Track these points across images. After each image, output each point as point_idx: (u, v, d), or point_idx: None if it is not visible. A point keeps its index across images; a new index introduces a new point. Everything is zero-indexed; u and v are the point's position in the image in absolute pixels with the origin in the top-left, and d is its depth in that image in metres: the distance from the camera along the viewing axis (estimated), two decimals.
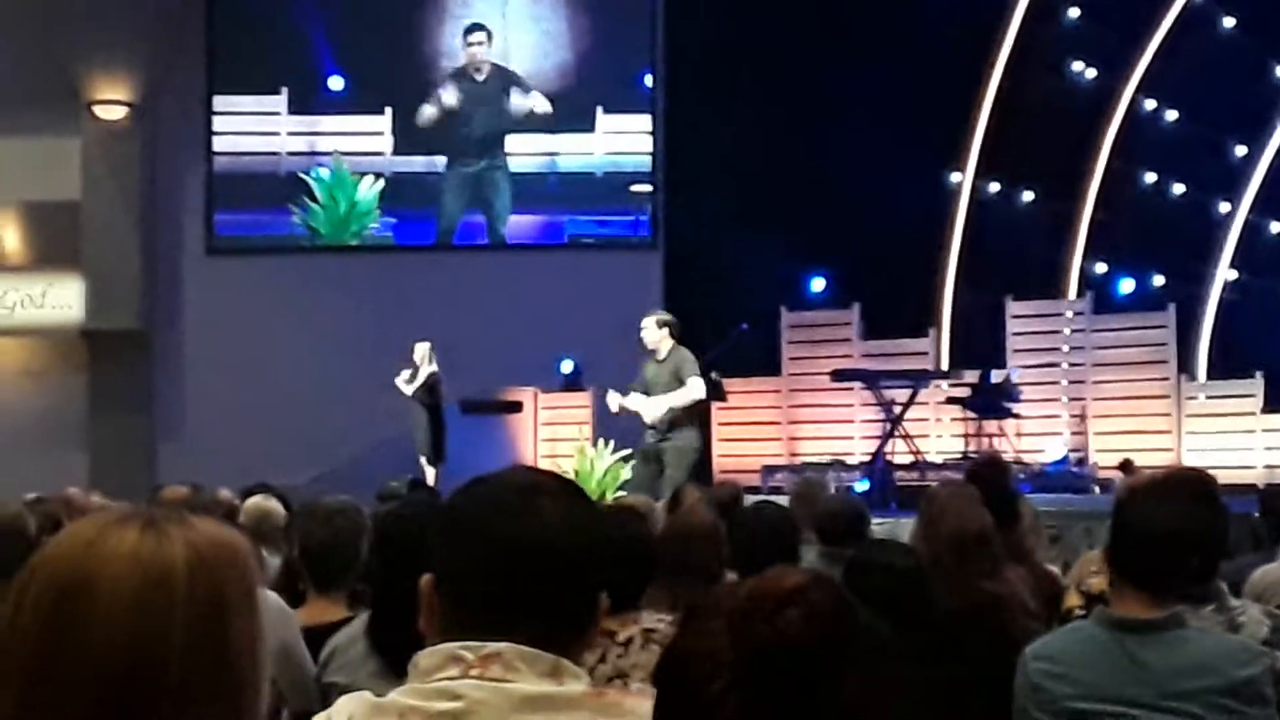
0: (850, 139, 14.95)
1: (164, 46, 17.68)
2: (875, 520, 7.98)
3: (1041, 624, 4.66)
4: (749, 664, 1.45)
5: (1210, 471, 5.02)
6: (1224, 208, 17.01)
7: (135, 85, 17.62)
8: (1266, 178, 16.89)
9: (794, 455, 16.28)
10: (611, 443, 15.32)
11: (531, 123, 18.13)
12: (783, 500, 7.62)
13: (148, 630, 1.47)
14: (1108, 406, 15.84)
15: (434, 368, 14.96)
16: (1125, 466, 13.32)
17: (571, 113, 18.05)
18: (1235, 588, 4.53)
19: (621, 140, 18.16)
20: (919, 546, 5.01)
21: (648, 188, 18.12)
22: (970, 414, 15.19)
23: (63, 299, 17.47)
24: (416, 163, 18.22)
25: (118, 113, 17.61)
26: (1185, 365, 16.14)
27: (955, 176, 17.27)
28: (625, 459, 14.33)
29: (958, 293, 17.11)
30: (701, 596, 1.58)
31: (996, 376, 15.31)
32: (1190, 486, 4.32)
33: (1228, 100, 16.56)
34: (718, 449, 16.15)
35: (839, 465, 15.11)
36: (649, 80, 18.09)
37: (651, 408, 11.49)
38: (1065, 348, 16.28)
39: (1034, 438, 15.67)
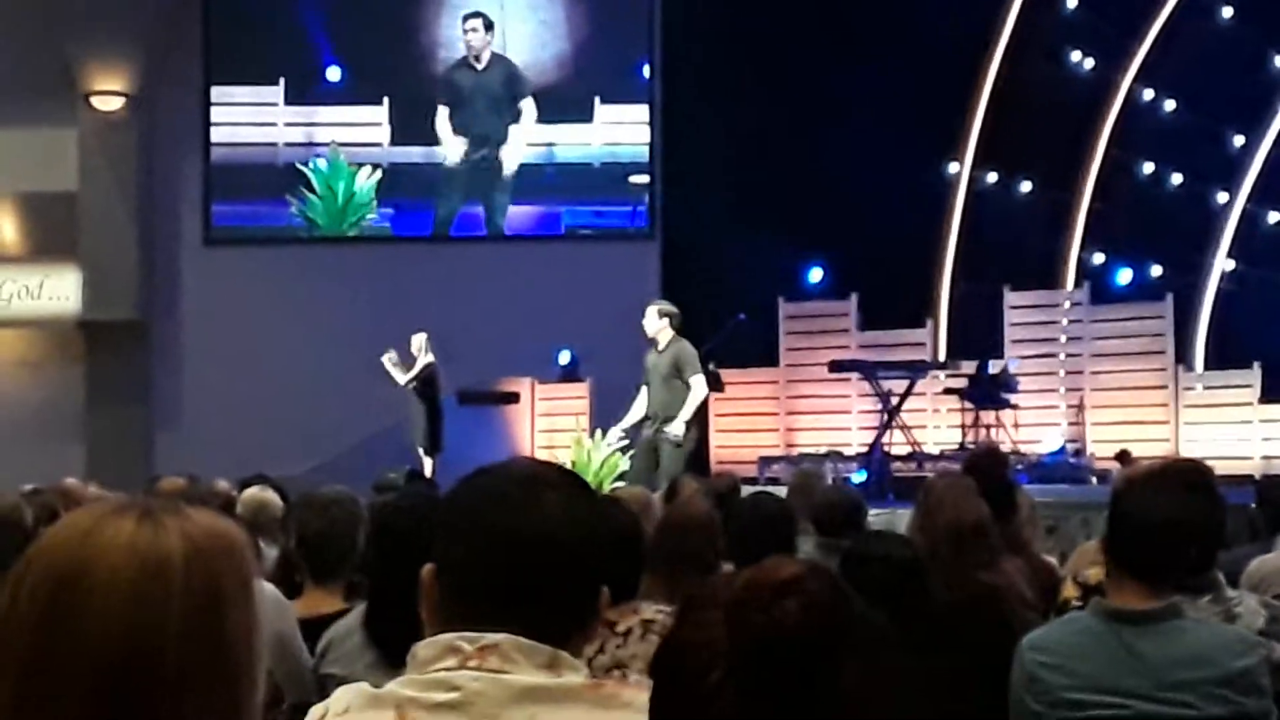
0: (848, 130, 14.95)
1: (161, 37, 17.66)
2: (872, 511, 7.99)
3: (1038, 615, 4.67)
4: (745, 654, 1.45)
5: (1207, 462, 5.03)
6: (1222, 198, 17.00)
7: (132, 76, 17.60)
8: (1264, 168, 16.88)
9: (791, 446, 16.28)
10: (609, 434, 15.33)
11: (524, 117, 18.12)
12: (780, 491, 7.62)
13: (144, 621, 1.47)
14: (1105, 397, 15.85)
15: (430, 358, 14.94)
16: (1122, 457, 13.31)
17: (569, 103, 18.04)
18: (1232, 578, 4.53)
19: (619, 131, 18.15)
20: (916, 537, 5.01)
21: (645, 178, 18.10)
22: (967, 404, 15.21)
23: (60, 290, 17.47)
24: (414, 153, 18.20)
25: (114, 103, 17.58)
26: (1183, 356, 16.14)
27: (953, 167, 17.27)
28: (623, 450, 14.33)
29: (955, 283, 17.11)
30: (698, 587, 1.58)
31: (994, 367, 15.33)
32: (1187, 477, 4.33)
33: (1226, 90, 16.56)
34: (715, 440, 16.16)
35: (836, 456, 15.13)
36: (646, 71, 18.07)
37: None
38: (1063, 338, 16.29)
39: (1031, 428, 15.68)
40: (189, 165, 18.11)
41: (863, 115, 14.94)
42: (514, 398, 16.81)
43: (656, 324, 11.74)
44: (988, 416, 15.09)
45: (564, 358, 16.92)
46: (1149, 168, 16.92)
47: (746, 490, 8.06)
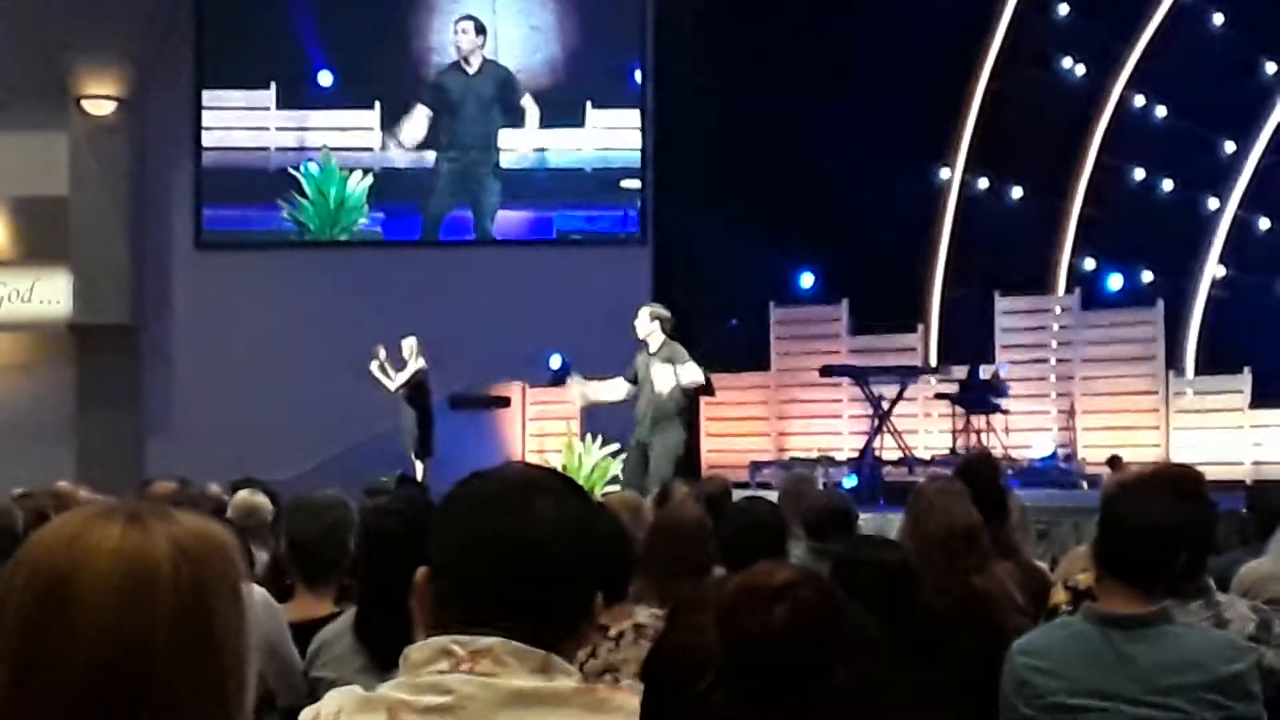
0: (839, 134, 14.95)
1: (153, 41, 17.64)
2: (863, 516, 7.98)
3: (1029, 620, 4.67)
4: (737, 659, 1.45)
5: (1198, 467, 5.03)
6: (1213, 204, 17.03)
7: (124, 80, 17.58)
8: (1255, 174, 16.91)
9: (782, 451, 16.28)
10: (600, 438, 15.34)
11: (522, 120, 18.12)
12: (771, 495, 7.62)
13: (131, 624, 1.46)
14: (1096, 402, 15.86)
15: (421, 363, 14.94)
16: (1113, 462, 13.32)
17: (561, 108, 18.04)
18: (1223, 583, 4.54)
19: (611, 135, 18.16)
20: (907, 542, 5.01)
21: (637, 183, 18.11)
22: (959, 410, 15.21)
23: (51, 293, 17.45)
24: (406, 158, 18.21)
25: (106, 107, 17.57)
26: (1173, 361, 16.15)
27: (944, 172, 17.28)
28: (614, 454, 14.35)
29: (946, 288, 17.13)
30: (690, 591, 1.58)
31: (985, 372, 15.33)
32: (1178, 483, 4.33)
33: (1217, 96, 16.58)
34: (706, 444, 16.17)
35: (827, 461, 15.11)
36: (638, 75, 18.09)
37: (660, 378, 11.57)
38: (1054, 344, 16.31)
39: (1022, 433, 15.67)
40: (180, 169, 18.10)
41: (854, 121, 14.94)
42: (505, 402, 16.82)
43: (648, 326, 11.78)
44: (979, 421, 15.09)
45: (555, 362, 16.91)
46: (1140, 174, 16.95)
47: (737, 495, 8.06)
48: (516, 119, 18.11)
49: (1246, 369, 15.33)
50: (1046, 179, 16.94)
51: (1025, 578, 5.41)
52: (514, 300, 16.88)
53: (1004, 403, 15.23)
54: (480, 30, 18.19)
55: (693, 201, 16.42)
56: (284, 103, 18.13)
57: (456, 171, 18.15)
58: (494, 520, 1.95)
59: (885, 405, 14.69)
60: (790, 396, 16.71)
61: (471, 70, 18.20)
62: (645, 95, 18.05)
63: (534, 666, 1.89)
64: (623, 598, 4.04)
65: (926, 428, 15.94)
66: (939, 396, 15.51)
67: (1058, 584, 4.64)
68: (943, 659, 4.00)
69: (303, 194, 18.12)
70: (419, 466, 14.63)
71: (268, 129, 18.22)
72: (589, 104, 18.04)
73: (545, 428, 16.61)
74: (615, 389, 12.07)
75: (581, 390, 12.37)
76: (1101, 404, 15.85)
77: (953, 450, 14.70)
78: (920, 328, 16.64)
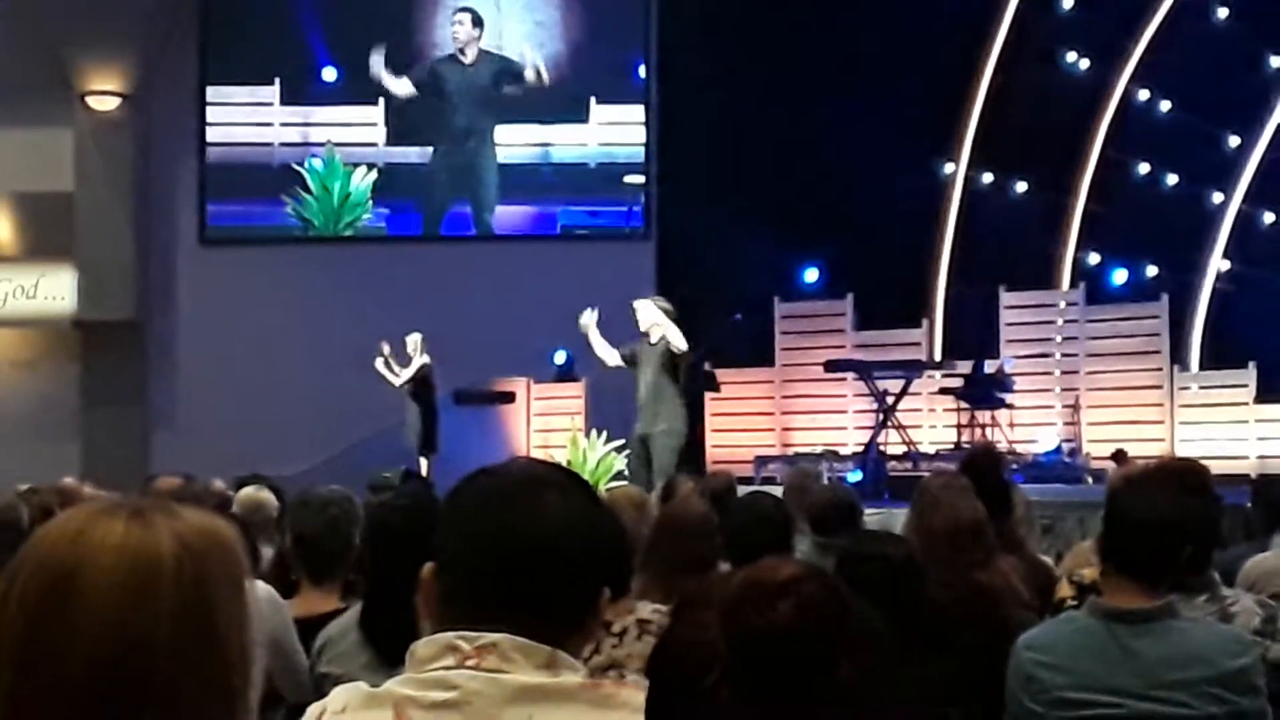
0: (844, 129, 14.94)
1: (157, 37, 17.65)
2: (868, 511, 7.97)
3: (1034, 614, 4.66)
4: (742, 655, 1.45)
5: (1203, 462, 5.04)
6: (1217, 198, 17.01)
7: (128, 76, 17.59)
8: (1260, 168, 16.90)
9: (787, 445, 16.27)
10: (605, 433, 15.33)
11: (523, 110, 18.09)
12: (776, 490, 7.62)
13: (135, 620, 1.46)
14: (1101, 397, 15.85)
15: (426, 359, 14.95)
16: (1118, 457, 13.30)
17: (565, 103, 18.04)
18: (1228, 578, 4.54)
19: (615, 131, 18.15)
20: (912, 537, 5.00)
21: (641, 178, 18.10)
22: (963, 404, 15.21)
23: (55, 289, 17.47)
24: (410, 153, 18.21)
25: (110, 103, 17.58)
26: (1178, 356, 16.14)
27: (949, 167, 17.27)
28: (619, 449, 14.34)
29: (951, 283, 17.12)
30: (694, 587, 1.58)
31: (989, 367, 15.33)
32: (1183, 477, 4.33)
33: (1221, 90, 16.56)
34: (711, 439, 16.17)
35: (832, 456, 15.12)
36: (642, 71, 18.08)
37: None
38: (1058, 338, 16.29)
39: (1027, 428, 15.67)
40: (184, 165, 18.11)
41: (859, 113, 14.94)
42: (510, 397, 16.81)
43: (650, 316, 11.78)
44: (983, 416, 15.09)
45: (560, 358, 16.90)
46: (1145, 168, 16.94)
47: (742, 490, 8.05)
48: (514, 112, 18.04)
49: (1251, 363, 15.32)
50: (1051, 173, 16.93)
51: (1030, 572, 5.40)
52: (519, 295, 16.88)
53: (1008, 397, 15.23)
54: (477, 22, 18.17)
55: (697, 197, 16.41)
56: (288, 99, 18.13)
57: (454, 165, 18.14)
58: (500, 516, 1.95)
59: (890, 400, 14.69)
60: (795, 391, 16.71)
61: (468, 61, 18.19)
62: (649, 90, 18.04)
63: (540, 662, 1.88)
64: (624, 594, 4.04)
65: (931, 422, 15.94)
66: (944, 391, 15.50)
67: (1063, 578, 4.64)
68: (948, 654, 4.00)
69: (307, 190, 18.12)
70: (424, 462, 14.64)
71: (272, 125, 18.23)
72: (593, 99, 18.03)
73: (550, 423, 16.60)
74: (609, 354, 12.10)
75: (592, 326, 12.35)
76: (1106, 399, 15.84)
77: (957, 445, 14.70)
78: (925, 322, 16.65)
